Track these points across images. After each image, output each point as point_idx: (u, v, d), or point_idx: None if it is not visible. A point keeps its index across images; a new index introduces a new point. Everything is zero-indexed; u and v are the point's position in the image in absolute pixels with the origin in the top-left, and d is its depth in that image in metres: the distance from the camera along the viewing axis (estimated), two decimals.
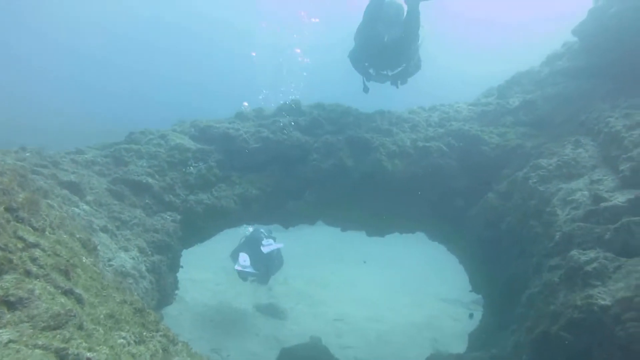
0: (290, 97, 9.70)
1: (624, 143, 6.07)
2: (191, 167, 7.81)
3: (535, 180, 6.75)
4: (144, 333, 3.38)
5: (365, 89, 10.08)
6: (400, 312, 17.96)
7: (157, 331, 3.59)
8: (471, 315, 10.95)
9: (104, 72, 47.94)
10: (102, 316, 3.10)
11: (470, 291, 10.34)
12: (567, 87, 9.11)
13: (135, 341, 3.17)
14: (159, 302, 6.66)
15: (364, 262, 19.88)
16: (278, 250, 15.57)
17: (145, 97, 48.11)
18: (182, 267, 7.63)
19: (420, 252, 23.48)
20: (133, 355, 2.98)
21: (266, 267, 14.97)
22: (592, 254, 4.94)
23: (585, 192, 5.90)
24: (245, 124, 8.91)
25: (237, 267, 14.51)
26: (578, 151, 6.77)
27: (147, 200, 7.15)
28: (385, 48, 9.39)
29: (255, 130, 8.64)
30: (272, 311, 15.70)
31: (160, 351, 3.36)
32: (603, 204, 5.31)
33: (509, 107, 9.34)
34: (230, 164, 8.33)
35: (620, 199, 5.25)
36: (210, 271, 18.51)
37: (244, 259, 14.68)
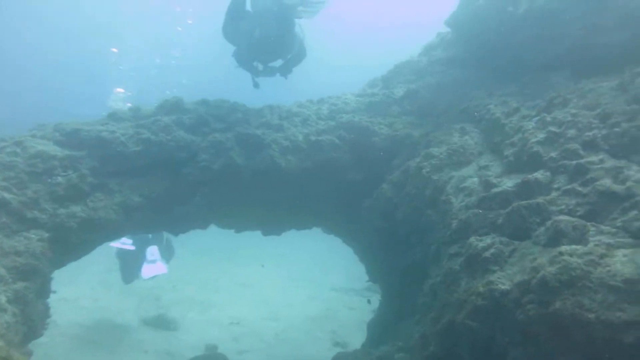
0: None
1: (505, 129, 6.37)
2: (59, 177, 6.85)
3: (428, 169, 6.87)
4: None
5: (256, 85, 9.87)
6: (296, 307, 17.85)
7: None
8: (369, 301, 11.07)
9: None
10: None
11: (367, 281, 10.49)
12: (445, 77, 9.48)
13: None
14: (26, 336, 5.78)
15: (262, 265, 19.43)
16: (167, 240, 14.69)
17: None
18: (54, 291, 6.72)
19: (310, 245, 23.59)
20: None
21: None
22: (488, 239, 5.06)
23: (475, 179, 6.08)
24: (121, 125, 8.06)
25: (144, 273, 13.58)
26: (464, 139, 7.00)
27: (3, 219, 6.14)
28: (260, 43, 9.23)
29: (134, 132, 7.84)
30: (161, 323, 14.66)
31: None
32: (493, 190, 5.48)
33: (394, 97, 9.51)
34: (107, 170, 7.47)
35: (508, 184, 5.45)
36: (85, 286, 16.88)
37: (151, 253, 13.74)
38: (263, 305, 17.85)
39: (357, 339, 14.42)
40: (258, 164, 8.27)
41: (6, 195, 6.28)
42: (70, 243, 6.75)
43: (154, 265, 14.07)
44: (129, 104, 8.98)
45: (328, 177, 8.69)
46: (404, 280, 7.68)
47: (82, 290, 16.36)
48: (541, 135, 5.53)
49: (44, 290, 6.38)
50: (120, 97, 22.00)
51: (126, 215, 7.35)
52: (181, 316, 15.45)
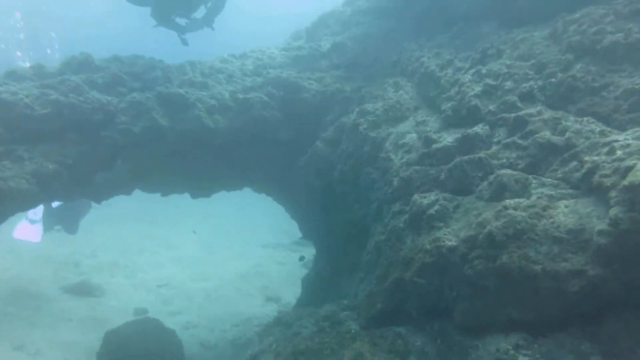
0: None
1: (440, 83, 6.33)
2: None
3: (365, 126, 6.74)
4: None
5: (184, 42, 9.30)
6: (225, 265, 17.66)
7: None
8: (302, 258, 11.00)
9: None
10: None
11: (301, 238, 10.46)
12: (371, 27, 9.28)
13: None
14: None
15: (194, 232, 18.83)
16: None
17: None
18: None
19: (235, 204, 23.20)
20: None
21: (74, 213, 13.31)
22: (432, 196, 5.07)
23: (414, 135, 6.05)
24: (23, 85, 7.17)
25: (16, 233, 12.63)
26: (399, 93, 6.92)
27: None
28: None
29: (39, 93, 7.00)
30: (84, 290, 13.81)
31: None
32: (434, 146, 5.47)
33: (321, 51, 9.24)
34: (12, 136, 6.67)
35: (448, 139, 5.45)
36: None
37: (35, 212, 12.76)
38: (191, 265, 17.51)
39: (288, 294, 14.53)
40: (184, 125, 7.77)
41: None
42: None
43: (29, 228, 13.27)
44: (28, 64, 8.00)
45: (259, 137, 8.38)
46: (343, 238, 7.66)
47: None
48: (478, 88, 5.54)
49: None
50: None
51: (40, 185, 6.66)
52: (105, 282, 14.74)
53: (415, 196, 5.19)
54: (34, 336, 10.56)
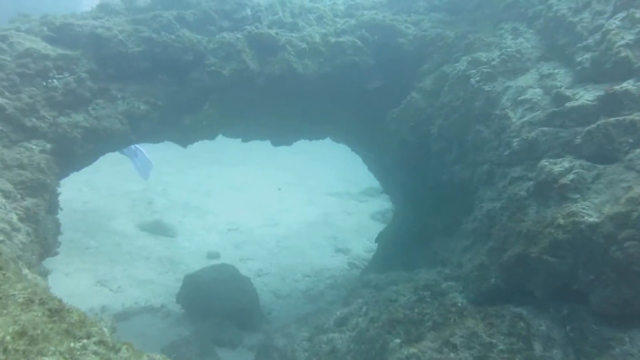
0: None
1: (575, 29, 5.48)
2: (54, 80, 5.91)
3: (478, 78, 6.02)
4: (73, 345, 2.26)
5: None
6: (293, 212, 17.50)
7: (89, 337, 2.44)
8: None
9: None
10: (8, 338, 2.04)
11: (382, 192, 10.03)
12: None
13: None
14: (40, 256, 5.27)
15: (279, 189, 18.66)
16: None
17: None
18: (61, 209, 6.09)
19: (298, 149, 22.68)
20: None
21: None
22: (565, 162, 4.45)
23: (538, 90, 5.33)
24: (116, 20, 6.93)
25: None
26: (519, 41, 6.10)
27: (0, 127, 5.36)
28: None
29: (132, 29, 6.72)
30: (158, 229, 14.14)
31: None
32: (568, 104, 4.77)
33: None
34: (106, 73, 6.49)
35: (586, 96, 4.72)
36: (72, 187, 15.92)
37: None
38: (260, 210, 17.41)
39: (357, 246, 14.29)
40: (273, 68, 7.33)
41: (0, 99, 5.41)
42: (75, 155, 6.04)
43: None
44: None
45: (348, 84, 7.84)
46: (434, 198, 7.15)
47: (70, 191, 15.44)
48: (630, 37, 4.68)
49: (53, 206, 5.82)
50: None
51: (132, 126, 6.51)
52: (177, 222, 15.00)
53: (544, 162, 4.57)
54: (115, 272, 10.88)
